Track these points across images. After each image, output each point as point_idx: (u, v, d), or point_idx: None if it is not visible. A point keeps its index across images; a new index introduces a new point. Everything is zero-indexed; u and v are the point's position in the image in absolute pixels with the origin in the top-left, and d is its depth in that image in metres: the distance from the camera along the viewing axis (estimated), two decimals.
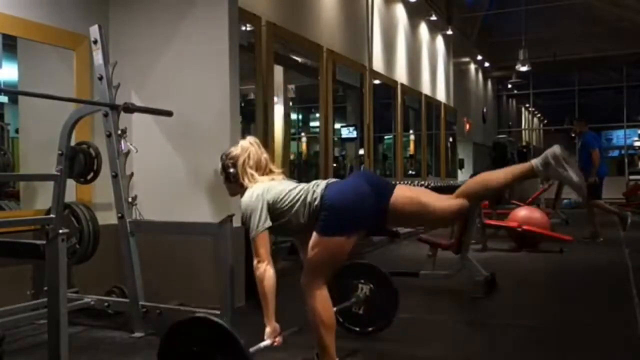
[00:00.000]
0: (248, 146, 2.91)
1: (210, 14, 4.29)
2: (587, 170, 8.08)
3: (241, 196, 2.83)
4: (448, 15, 13.63)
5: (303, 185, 2.76)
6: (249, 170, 2.86)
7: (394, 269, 4.72)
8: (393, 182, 2.91)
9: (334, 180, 2.76)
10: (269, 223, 2.67)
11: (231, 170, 2.89)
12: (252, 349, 2.47)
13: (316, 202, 2.63)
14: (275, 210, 2.70)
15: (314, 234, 2.63)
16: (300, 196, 2.69)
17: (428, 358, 3.33)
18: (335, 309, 2.87)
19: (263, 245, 2.64)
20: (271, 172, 2.91)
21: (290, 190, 2.73)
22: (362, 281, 3.38)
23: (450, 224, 2.63)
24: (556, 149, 2.56)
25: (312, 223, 2.64)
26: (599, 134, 9.73)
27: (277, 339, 2.66)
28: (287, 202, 2.69)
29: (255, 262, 2.64)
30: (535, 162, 2.58)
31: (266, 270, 2.61)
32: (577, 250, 7.12)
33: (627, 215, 8.16)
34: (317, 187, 2.69)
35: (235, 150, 2.92)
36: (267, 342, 2.64)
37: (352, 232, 2.62)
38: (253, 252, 2.66)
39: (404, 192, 2.70)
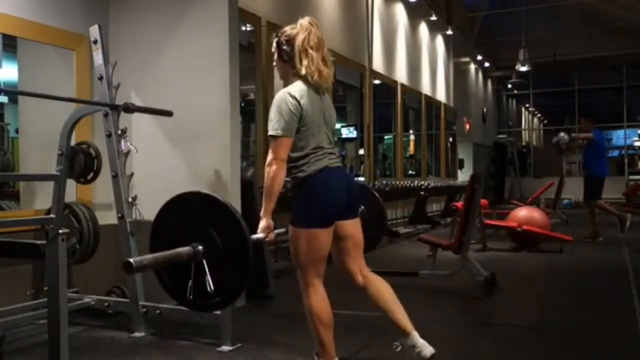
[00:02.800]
0: (308, 25, 2.68)
1: (210, 14, 4.29)
2: (591, 167, 8.08)
3: (285, 85, 2.71)
4: (448, 15, 13.64)
5: (320, 144, 2.68)
6: (310, 51, 2.64)
7: (394, 269, 4.73)
8: (361, 210, 2.98)
9: (333, 166, 2.71)
10: (293, 136, 2.60)
11: (285, 47, 2.70)
12: None
13: (304, 174, 2.63)
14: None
15: (290, 226, 2.65)
16: (312, 154, 2.65)
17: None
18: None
19: (284, 149, 2.59)
20: (326, 63, 2.70)
21: (315, 136, 2.66)
22: None
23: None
24: None
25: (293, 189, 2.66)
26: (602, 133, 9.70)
27: (270, 235, 2.68)
28: (298, 143, 2.64)
29: (270, 158, 2.60)
30: None
31: (280, 169, 2.59)
32: (577, 250, 7.12)
33: (627, 217, 8.16)
34: (319, 162, 2.64)
35: (293, 29, 2.71)
36: (260, 235, 2.66)
37: (327, 223, 2.64)
38: (270, 149, 2.61)
39: (354, 228, 2.78)
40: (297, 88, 2.65)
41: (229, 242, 2.57)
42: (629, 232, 8.16)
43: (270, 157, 2.61)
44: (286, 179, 2.65)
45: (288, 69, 2.74)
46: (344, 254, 2.79)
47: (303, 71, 2.64)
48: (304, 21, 2.70)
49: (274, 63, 2.83)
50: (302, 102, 2.62)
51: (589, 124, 8.57)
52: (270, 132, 2.61)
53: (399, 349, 2.74)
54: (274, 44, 2.79)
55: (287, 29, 2.74)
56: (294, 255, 2.68)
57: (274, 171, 2.58)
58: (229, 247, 2.56)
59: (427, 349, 2.68)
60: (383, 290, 2.80)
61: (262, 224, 2.66)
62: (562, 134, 9.21)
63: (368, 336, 3.53)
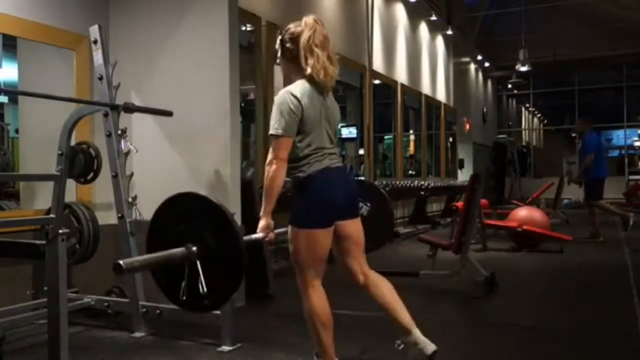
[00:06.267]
0: (314, 23, 2.65)
1: (210, 14, 4.29)
2: (589, 170, 8.08)
3: (285, 84, 2.69)
4: (448, 15, 13.64)
5: (321, 145, 2.66)
6: (316, 50, 2.61)
7: (394, 269, 4.72)
8: (362, 210, 2.97)
9: (333, 167, 2.69)
10: (293, 135, 2.59)
11: (288, 45, 2.66)
12: (245, 238, 2.55)
13: (304, 175, 2.61)
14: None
15: (289, 227, 2.65)
16: (312, 155, 2.63)
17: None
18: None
19: (285, 149, 2.57)
20: (331, 61, 2.68)
21: (318, 135, 2.64)
22: (361, 199, 3.29)
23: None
24: None
25: (292, 189, 2.65)
26: (599, 134, 9.71)
27: (270, 235, 2.68)
28: (300, 145, 2.62)
29: (271, 157, 2.59)
30: None
31: (280, 169, 2.57)
32: (577, 250, 7.12)
33: (630, 216, 8.15)
34: (320, 162, 2.63)
35: (297, 27, 2.67)
36: (260, 234, 2.66)
37: (326, 224, 2.63)
38: (271, 149, 2.60)
39: (354, 228, 2.76)
40: (299, 87, 2.63)
41: (223, 243, 2.56)
42: (629, 231, 8.17)
43: (270, 156, 2.60)
44: (286, 179, 2.65)
45: (292, 67, 2.71)
46: (345, 254, 2.79)
47: (308, 70, 2.62)
48: (309, 19, 2.67)
49: (278, 61, 2.79)
50: (303, 101, 2.60)
51: (585, 125, 8.56)
52: (270, 132, 2.60)
53: (401, 347, 2.74)
54: (278, 42, 2.76)
55: (292, 27, 2.70)
56: (294, 256, 2.68)
57: (274, 170, 2.57)
58: (222, 249, 2.55)
59: (430, 346, 2.68)
60: (384, 288, 2.80)
61: (262, 223, 2.66)
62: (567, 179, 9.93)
63: (368, 336, 3.53)
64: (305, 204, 2.63)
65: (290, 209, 2.67)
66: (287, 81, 2.76)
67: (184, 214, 2.62)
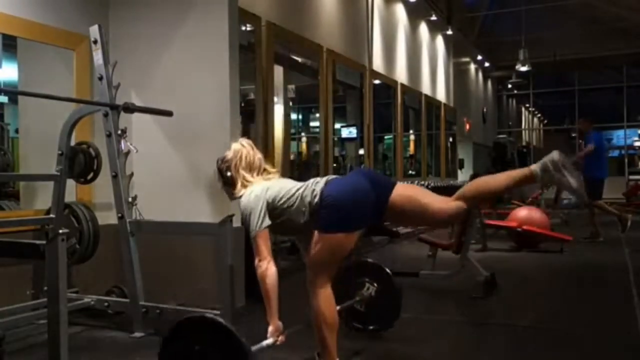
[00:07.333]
0: (240, 148, 2.90)
1: (210, 14, 4.29)
2: (590, 169, 8.07)
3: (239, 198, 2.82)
4: (448, 15, 13.63)
5: (302, 183, 2.75)
6: (242, 172, 2.85)
7: (394, 269, 4.71)
8: (393, 180, 2.91)
9: (333, 177, 2.75)
10: (268, 221, 2.67)
11: (227, 173, 2.89)
12: (254, 348, 2.47)
13: (316, 200, 2.62)
14: (275, 208, 2.69)
15: (316, 232, 2.63)
16: (300, 194, 2.68)
17: (428, 357, 3.33)
18: (338, 307, 2.87)
19: (264, 244, 2.64)
20: (266, 171, 2.90)
21: (289, 189, 2.73)
22: (368, 280, 3.39)
23: (448, 225, 2.65)
24: (555, 154, 2.57)
25: (312, 220, 2.64)
26: (600, 134, 9.69)
27: (280, 337, 2.67)
28: (286, 200, 2.69)
29: (256, 260, 2.64)
30: (535, 167, 2.61)
31: (268, 269, 2.61)
32: (577, 250, 7.12)
33: (628, 217, 8.15)
34: (316, 184, 2.68)
35: (229, 154, 2.92)
36: (270, 340, 2.64)
37: (352, 228, 2.62)
38: (254, 251, 2.66)
39: (404, 191, 2.70)
40: (256, 187, 2.77)
41: None
42: (629, 231, 8.16)
43: (256, 260, 2.65)
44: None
45: (235, 191, 2.87)
46: (425, 210, 2.67)
47: (242, 192, 2.80)
48: (236, 145, 2.93)
49: (221, 188, 3.00)
50: (268, 193, 2.71)
51: (587, 125, 8.57)
52: (252, 235, 2.67)
53: None
54: (217, 174, 2.96)
55: (227, 154, 2.92)
56: (313, 257, 2.65)
57: (262, 272, 2.61)
58: None
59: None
60: (479, 184, 2.73)
61: (270, 329, 2.65)
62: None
63: (369, 336, 3.53)
64: (328, 212, 2.60)
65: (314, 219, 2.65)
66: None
67: (196, 337, 2.39)
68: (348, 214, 2.59)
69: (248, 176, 2.84)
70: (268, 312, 2.64)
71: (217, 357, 2.29)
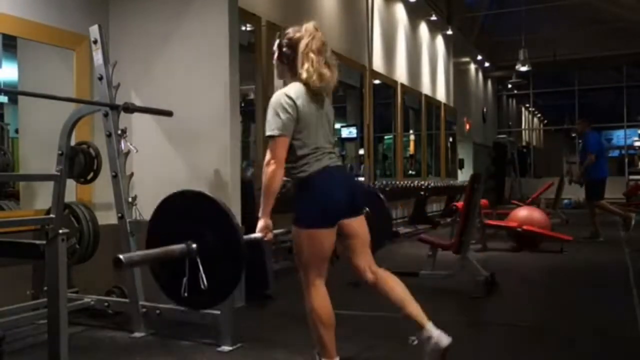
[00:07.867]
0: (314, 30, 2.67)
1: (210, 14, 4.29)
2: (590, 170, 8.08)
3: (284, 84, 2.72)
4: (448, 15, 13.63)
5: (323, 144, 2.69)
6: (312, 55, 2.63)
7: (394, 269, 4.71)
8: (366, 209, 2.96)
9: (333, 165, 2.71)
10: (290, 135, 2.61)
11: (285, 49, 2.71)
12: (244, 237, 2.58)
13: (305, 174, 2.63)
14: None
15: (293, 227, 2.66)
16: (313, 153, 2.65)
17: None
18: None
19: (282, 149, 2.60)
20: (328, 66, 2.67)
21: (314, 140, 2.66)
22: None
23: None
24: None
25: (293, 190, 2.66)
26: (599, 134, 9.71)
27: (268, 235, 2.69)
28: (301, 140, 2.64)
29: (269, 158, 2.61)
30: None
31: (278, 170, 2.60)
32: (577, 250, 7.12)
33: (632, 216, 8.14)
34: (319, 161, 2.65)
35: (296, 32, 2.69)
36: (258, 234, 2.68)
37: (325, 225, 2.63)
38: (269, 149, 2.62)
39: (360, 226, 2.76)
40: (294, 89, 2.66)
41: (222, 240, 2.58)
42: (630, 232, 8.16)
43: (268, 157, 2.62)
44: (285, 179, 2.65)
45: (286, 70, 2.76)
46: (351, 252, 2.78)
47: (304, 75, 2.64)
48: (310, 26, 2.70)
49: (274, 62, 2.84)
50: (298, 102, 2.62)
51: (584, 126, 8.56)
52: (267, 133, 2.62)
53: (415, 343, 2.72)
54: (275, 45, 2.80)
55: (291, 32, 2.73)
56: (297, 255, 2.69)
57: (272, 171, 2.59)
58: (222, 246, 2.57)
59: (444, 339, 2.67)
60: (394, 285, 2.78)
61: (260, 224, 2.67)
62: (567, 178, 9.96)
63: (369, 336, 3.53)
64: (307, 204, 2.64)
65: (293, 209, 2.68)
66: (282, 83, 2.82)
67: (184, 212, 2.63)
68: (325, 211, 2.62)
69: (315, 60, 2.61)
70: (262, 209, 2.66)
71: (210, 235, 2.37)
